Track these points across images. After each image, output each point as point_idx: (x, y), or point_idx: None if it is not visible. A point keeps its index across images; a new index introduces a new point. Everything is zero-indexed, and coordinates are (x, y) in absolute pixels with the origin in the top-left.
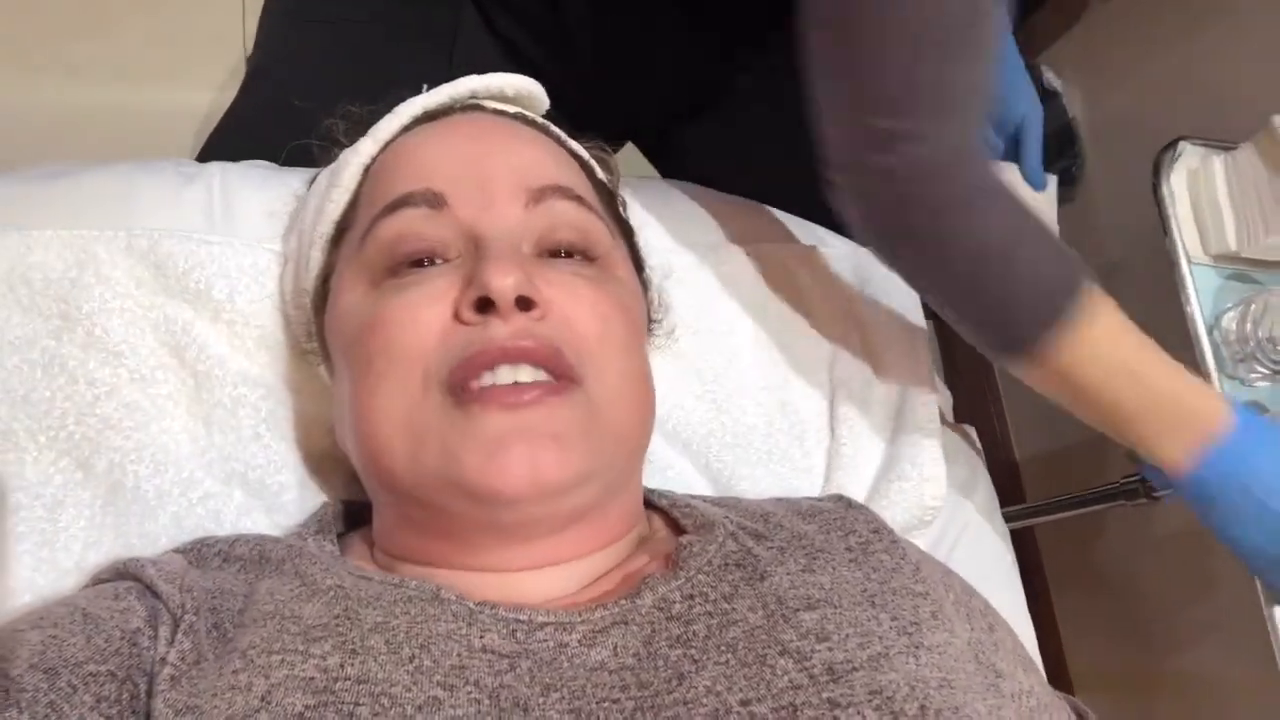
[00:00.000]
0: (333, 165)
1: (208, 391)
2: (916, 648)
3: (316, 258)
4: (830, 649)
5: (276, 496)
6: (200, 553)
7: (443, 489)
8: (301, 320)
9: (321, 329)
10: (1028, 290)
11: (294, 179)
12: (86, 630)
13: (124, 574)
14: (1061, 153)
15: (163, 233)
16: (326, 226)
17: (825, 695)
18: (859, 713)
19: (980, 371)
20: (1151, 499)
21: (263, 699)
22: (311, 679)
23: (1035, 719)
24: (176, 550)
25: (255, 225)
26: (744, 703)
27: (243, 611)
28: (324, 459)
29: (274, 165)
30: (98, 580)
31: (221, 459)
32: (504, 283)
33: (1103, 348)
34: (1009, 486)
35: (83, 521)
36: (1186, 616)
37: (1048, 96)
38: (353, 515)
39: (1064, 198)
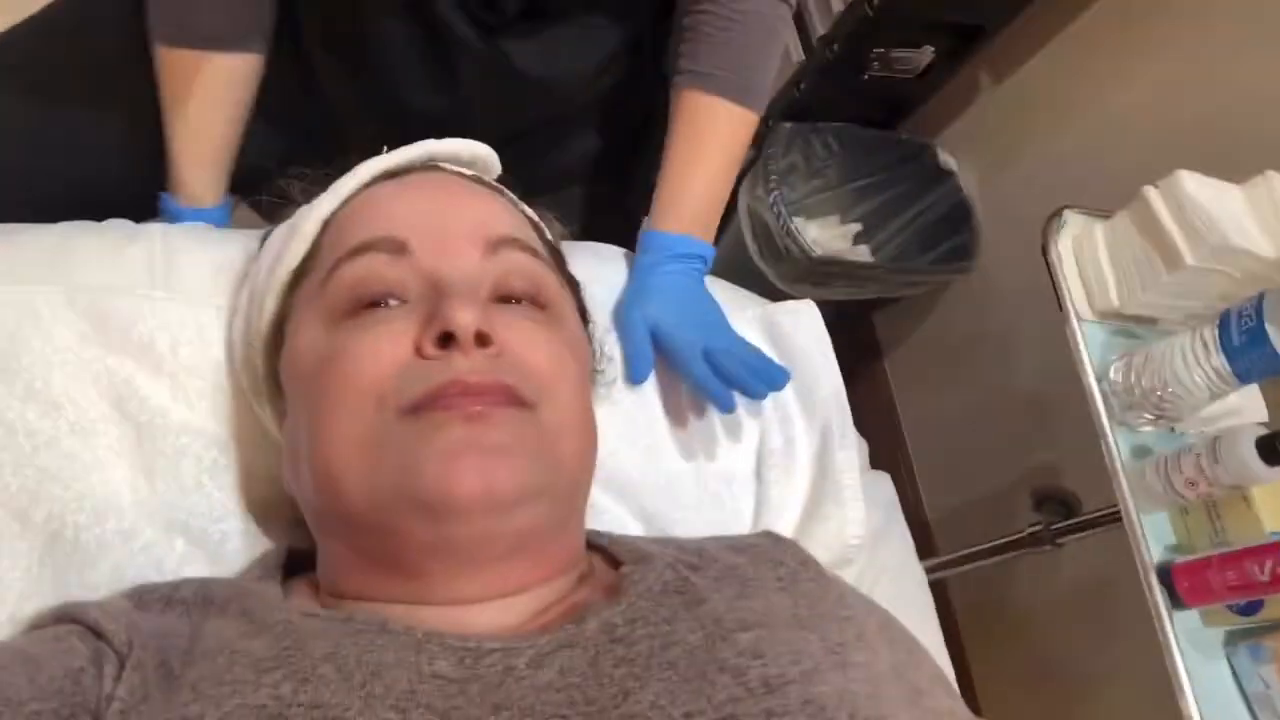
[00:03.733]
0: (290, 220)
1: (150, 442)
2: (844, 665)
3: (270, 305)
4: (765, 665)
5: (219, 545)
6: (143, 598)
7: (398, 505)
8: (249, 368)
9: (273, 371)
10: None
11: (236, 239)
12: (28, 670)
13: (64, 618)
14: (956, 229)
15: (104, 289)
16: (284, 273)
17: (762, 706)
18: None
19: (888, 427)
20: (1055, 545)
21: None
22: (264, 706)
23: None
24: (119, 595)
25: (198, 282)
26: (686, 715)
27: (189, 650)
28: (267, 507)
29: (213, 226)
30: (37, 625)
31: (163, 508)
32: (466, 318)
33: None
34: (920, 539)
35: (18, 572)
36: (1092, 661)
37: (942, 176)
38: (295, 563)
39: (962, 270)
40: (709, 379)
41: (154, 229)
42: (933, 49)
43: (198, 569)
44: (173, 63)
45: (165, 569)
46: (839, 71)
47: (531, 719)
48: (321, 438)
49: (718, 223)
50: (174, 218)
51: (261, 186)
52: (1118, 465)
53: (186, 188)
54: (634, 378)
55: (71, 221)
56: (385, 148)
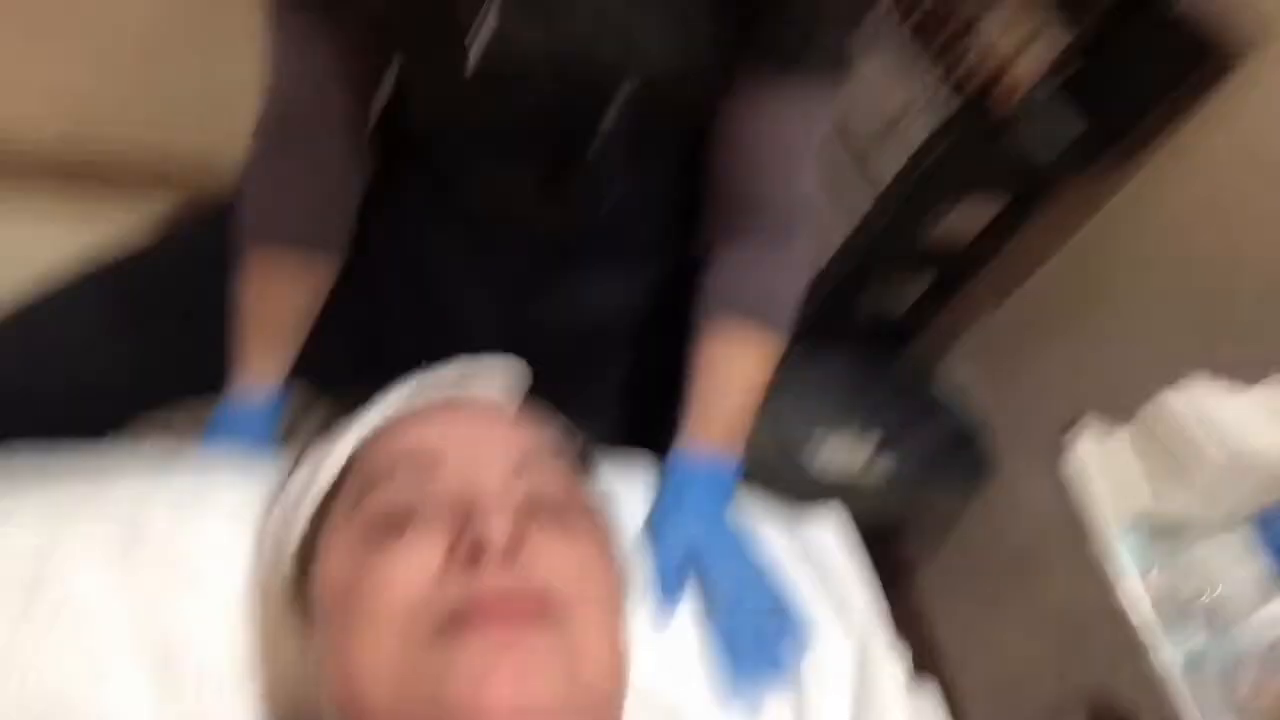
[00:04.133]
0: (323, 441)
1: (170, 662)
2: None
3: (300, 527)
4: None
5: None
6: None
7: (426, 716)
8: (277, 588)
9: (300, 594)
10: None
11: (268, 464)
12: None
13: None
14: (969, 445)
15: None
16: (315, 496)
17: None
18: None
19: (920, 639)
20: None
21: None
22: None
23: None
24: None
25: (233, 503)
26: None
27: None
28: None
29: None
30: None
31: None
32: (496, 532)
33: None
34: None
35: None
36: None
37: (950, 395)
38: None
39: (969, 490)
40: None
41: (190, 452)
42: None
43: None
44: (259, 259)
45: None
46: (840, 302)
47: None
48: (349, 660)
49: (745, 437)
50: (231, 413)
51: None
52: (1175, 679)
53: (253, 366)
54: (667, 602)
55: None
56: (423, 362)
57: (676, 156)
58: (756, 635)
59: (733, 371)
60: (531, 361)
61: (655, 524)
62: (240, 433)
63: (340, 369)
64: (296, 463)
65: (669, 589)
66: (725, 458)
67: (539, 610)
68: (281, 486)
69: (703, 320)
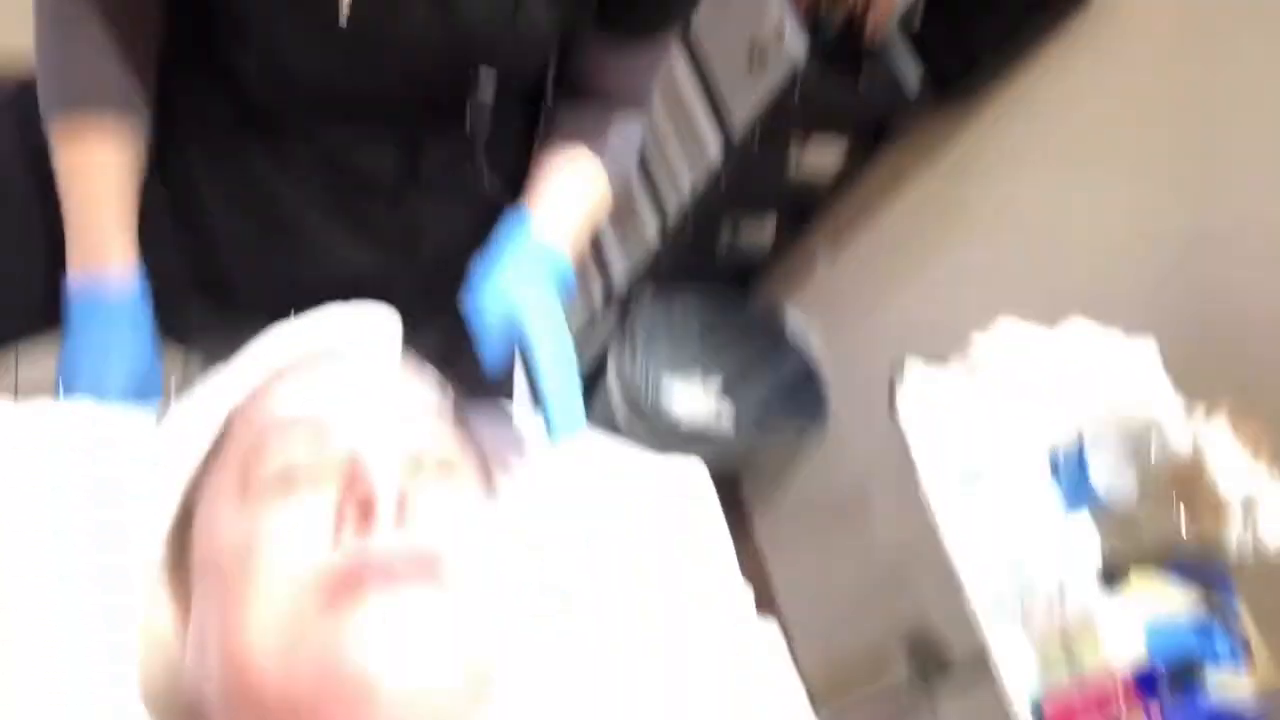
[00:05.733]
0: (187, 399)
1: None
2: None
3: (177, 492)
4: None
5: None
6: None
7: (317, 694)
8: (151, 564)
9: (181, 563)
10: None
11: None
12: None
13: None
14: (807, 388)
15: None
16: (191, 460)
17: None
18: None
19: (758, 582)
20: (927, 695)
21: None
22: None
23: None
24: None
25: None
26: None
27: None
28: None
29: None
30: None
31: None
32: (384, 490)
33: None
34: None
35: None
36: None
37: (792, 339)
38: None
39: (815, 425)
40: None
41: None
42: (772, 221)
43: None
44: (65, 132)
45: None
46: (695, 240)
47: None
48: (237, 629)
49: (577, 253)
50: (90, 300)
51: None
52: (980, 613)
53: (101, 248)
54: (490, 360)
55: None
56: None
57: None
58: (570, 388)
59: (567, 181)
60: (386, 293)
61: (488, 279)
62: (111, 331)
63: (181, 310)
64: (160, 423)
65: (491, 347)
66: (560, 246)
67: (428, 571)
68: (149, 450)
69: (538, 149)
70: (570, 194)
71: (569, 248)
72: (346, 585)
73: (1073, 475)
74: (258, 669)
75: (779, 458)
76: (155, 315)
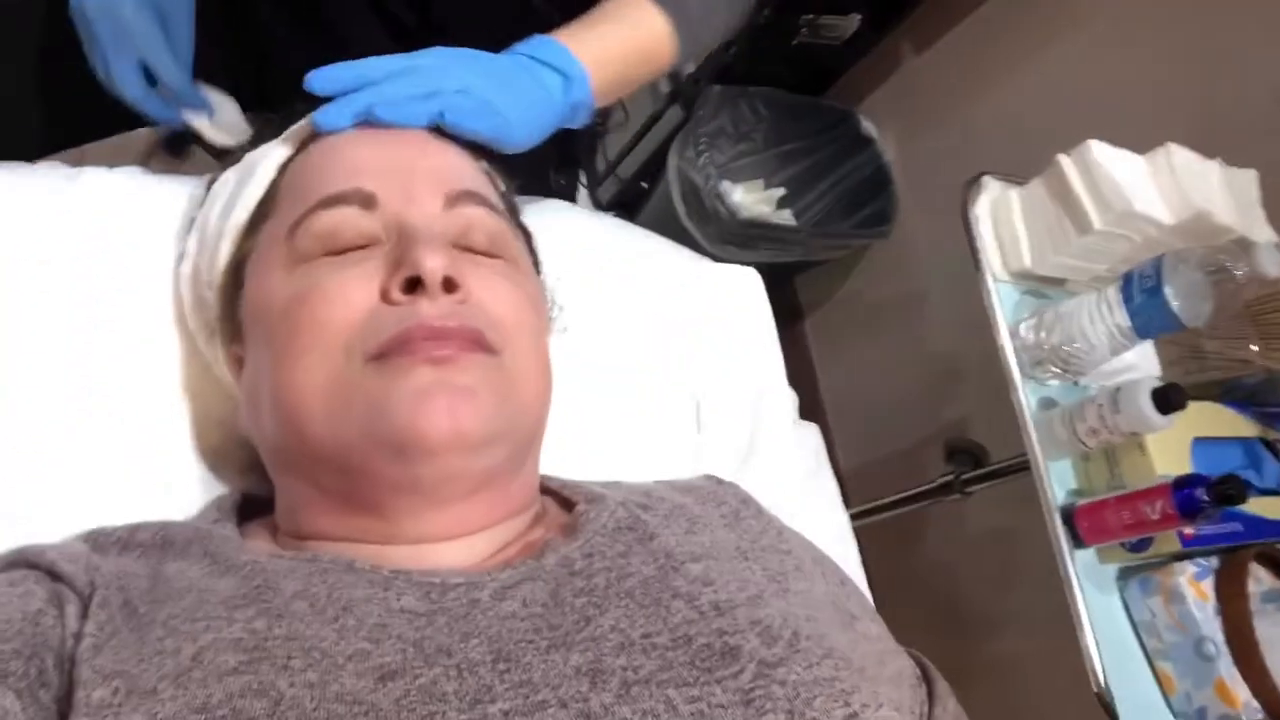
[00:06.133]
0: (240, 164)
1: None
2: (785, 592)
3: (226, 248)
4: (715, 591)
5: (171, 489)
6: (98, 540)
7: (366, 446)
8: (199, 313)
9: (228, 315)
10: None
11: (177, 185)
12: None
13: (18, 563)
14: (876, 195)
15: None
16: (241, 217)
17: (714, 626)
18: (744, 638)
19: (807, 385)
20: (964, 494)
21: (194, 658)
22: (240, 639)
23: (885, 660)
24: (74, 538)
25: (142, 229)
26: (645, 635)
27: (151, 590)
28: (219, 453)
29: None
30: None
31: (116, 452)
32: (434, 263)
33: None
34: None
35: None
36: (996, 603)
37: (864, 143)
38: (247, 509)
39: (880, 234)
40: None
41: (91, 175)
42: (859, 16)
43: (150, 513)
44: None
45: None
46: (769, 36)
47: (499, 645)
48: (288, 380)
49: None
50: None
51: None
52: (1026, 416)
53: None
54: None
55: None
56: None
57: None
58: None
59: (623, 25)
60: None
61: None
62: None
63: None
64: (209, 187)
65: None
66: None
67: (476, 341)
68: (193, 211)
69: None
70: (609, 19)
71: (590, 61)
72: (394, 347)
73: (1145, 300)
74: (309, 424)
75: (838, 264)
76: None
